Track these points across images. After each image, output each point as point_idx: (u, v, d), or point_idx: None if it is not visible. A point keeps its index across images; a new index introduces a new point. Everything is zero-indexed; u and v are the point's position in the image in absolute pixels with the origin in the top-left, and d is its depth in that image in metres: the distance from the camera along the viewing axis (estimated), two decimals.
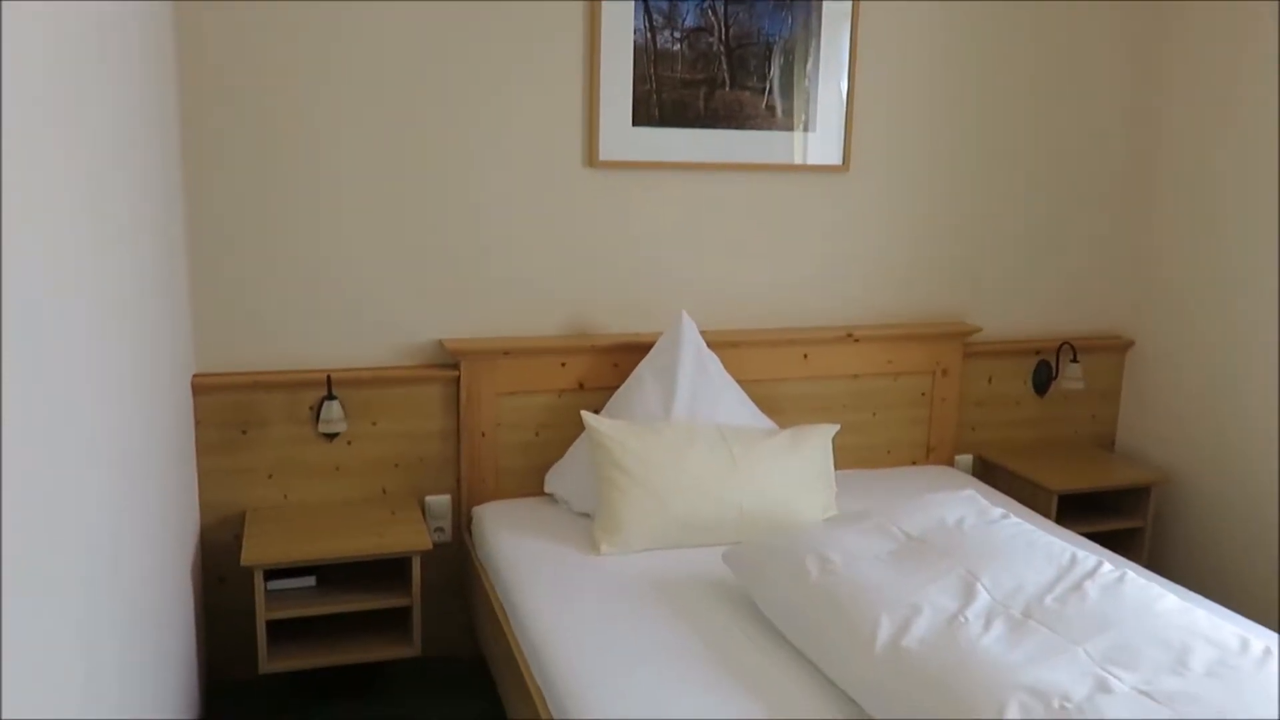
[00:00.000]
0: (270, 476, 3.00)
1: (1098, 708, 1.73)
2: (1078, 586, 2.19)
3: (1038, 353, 3.69)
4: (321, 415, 2.93)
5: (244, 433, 2.95)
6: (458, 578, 3.19)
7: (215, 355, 2.92)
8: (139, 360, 2.05)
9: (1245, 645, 1.97)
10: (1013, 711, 1.73)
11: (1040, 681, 1.80)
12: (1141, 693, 1.78)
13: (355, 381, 2.99)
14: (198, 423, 2.90)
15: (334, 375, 2.94)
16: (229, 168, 2.85)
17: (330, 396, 2.92)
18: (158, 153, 2.44)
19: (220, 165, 2.84)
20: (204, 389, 2.89)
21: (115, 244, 1.85)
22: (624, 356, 3.16)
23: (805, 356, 3.36)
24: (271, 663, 2.77)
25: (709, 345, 3.14)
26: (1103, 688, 1.80)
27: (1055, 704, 1.74)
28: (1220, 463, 3.45)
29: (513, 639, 2.50)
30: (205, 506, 2.96)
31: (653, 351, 3.11)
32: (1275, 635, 2.20)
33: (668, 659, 2.19)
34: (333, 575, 2.89)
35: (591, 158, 3.11)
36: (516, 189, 3.08)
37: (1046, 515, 3.23)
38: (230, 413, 2.93)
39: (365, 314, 3.02)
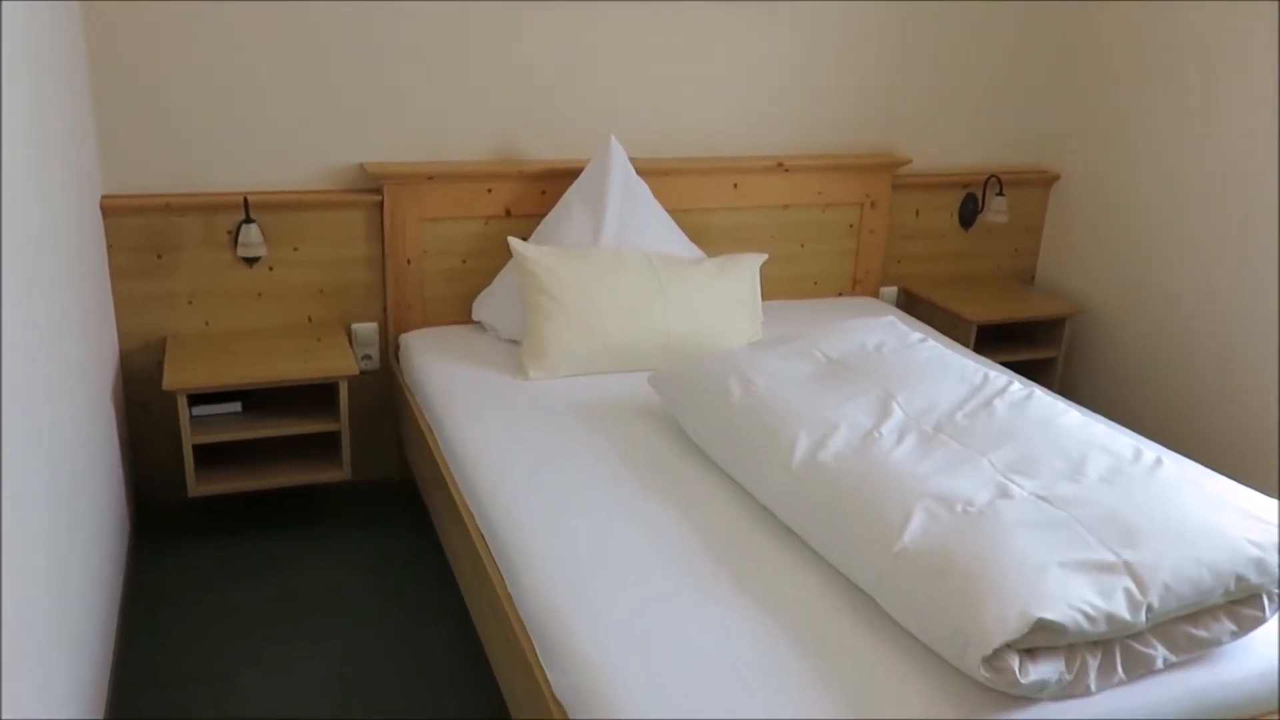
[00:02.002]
0: (190, 302, 2.93)
1: (997, 511, 1.82)
2: (987, 403, 2.27)
3: (965, 186, 3.71)
4: (240, 239, 2.85)
5: (159, 257, 2.87)
6: (386, 404, 3.20)
7: (124, 176, 2.81)
8: (41, 179, 1.96)
9: (1138, 454, 2.07)
10: (918, 516, 1.81)
11: (945, 489, 1.89)
12: (1039, 498, 1.88)
13: (274, 205, 2.91)
14: (110, 247, 2.81)
15: (251, 198, 2.85)
16: None
17: (248, 220, 2.84)
18: None
19: None
20: (114, 211, 2.78)
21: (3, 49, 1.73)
22: (552, 183, 3.11)
23: (735, 186, 3.34)
24: (200, 486, 2.78)
25: (638, 173, 3.10)
26: (1004, 494, 1.89)
27: (959, 509, 1.83)
28: (1131, 295, 3.56)
29: (441, 461, 2.54)
30: (124, 333, 2.90)
31: (581, 178, 3.06)
32: (1164, 449, 2.32)
33: (594, 476, 2.24)
34: (260, 402, 2.89)
35: None
36: (440, 3, 2.94)
37: (965, 345, 3.33)
38: (144, 236, 2.84)
39: (282, 134, 2.91)
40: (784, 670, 1.63)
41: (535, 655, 1.81)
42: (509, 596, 1.97)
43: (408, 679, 2.41)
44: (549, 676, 1.74)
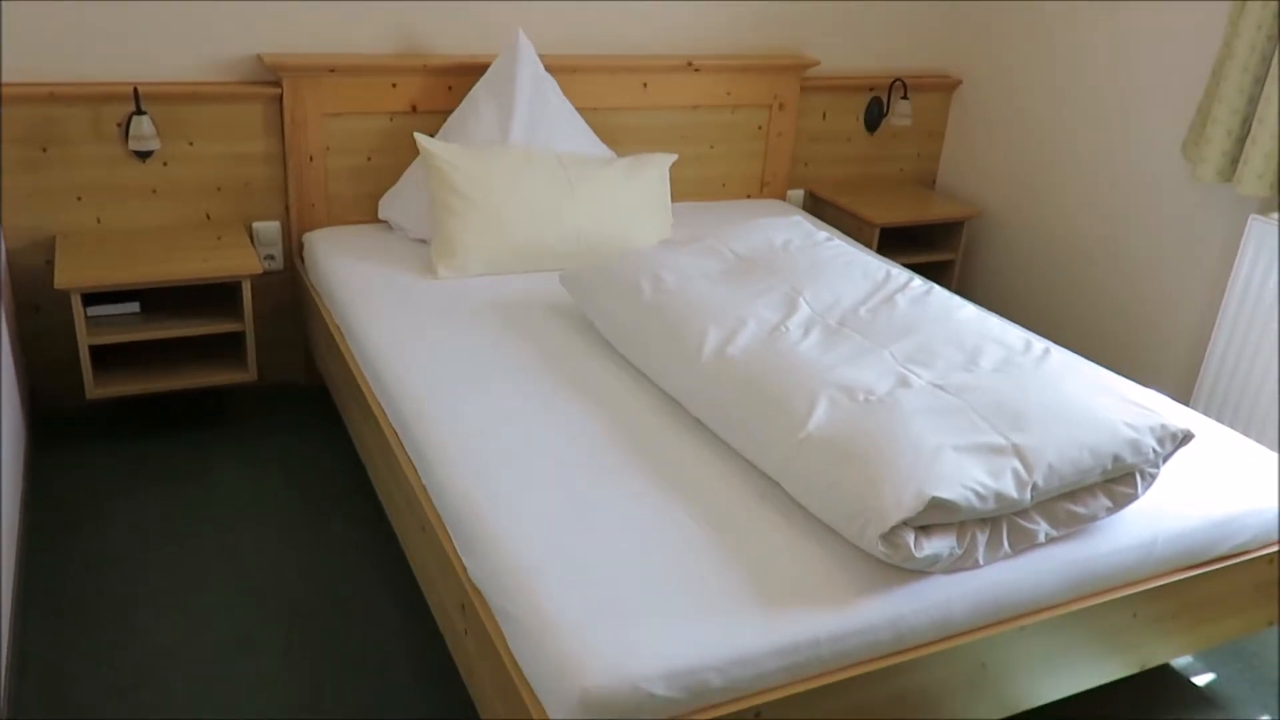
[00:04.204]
0: (79, 199, 2.81)
1: (896, 399, 1.90)
2: (889, 299, 2.35)
3: (871, 89, 3.75)
4: (131, 132, 2.73)
5: (44, 151, 2.73)
6: (292, 305, 3.14)
7: (4, 62, 2.65)
8: None
9: (1028, 346, 2.18)
10: (822, 405, 1.89)
11: (848, 379, 1.96)
12: (936, 386, 1.97)
13: (166, 96, 2.78)
14: None
15: (142, 89, 2.73)
16: None
17: (139, 111, 2.72)
18: None
19: None
20: None
21: None
22: (458, 79, 3.04)
23: (645, 85, 3.32)
24: (98, 389, 2.71)
25: (547, 69, 3.06)
26: (903, 383, 1.97)
27: (860, 398, 1.91)
28: (1025, 199, 3.68)
29: (351, 359, 2.52)
30: (9, 231, 2.78)
31: (488, 73, 3.00)
32: (1052, 343, 2.44)
33: (506, 372, 2.26)
34: (159, 302, 2.81)
35: None
36: None
37: (869, 248, 3.40)
38: (26, 127, 2.70)
39: (175, 19, 2.77)
40: (693, 551, 1.70)
41: (451, 543, 1.84)
42: (424, 488, 2.00)
43: (323, 576, 2.43)
44: (465, 563, 1.78)
